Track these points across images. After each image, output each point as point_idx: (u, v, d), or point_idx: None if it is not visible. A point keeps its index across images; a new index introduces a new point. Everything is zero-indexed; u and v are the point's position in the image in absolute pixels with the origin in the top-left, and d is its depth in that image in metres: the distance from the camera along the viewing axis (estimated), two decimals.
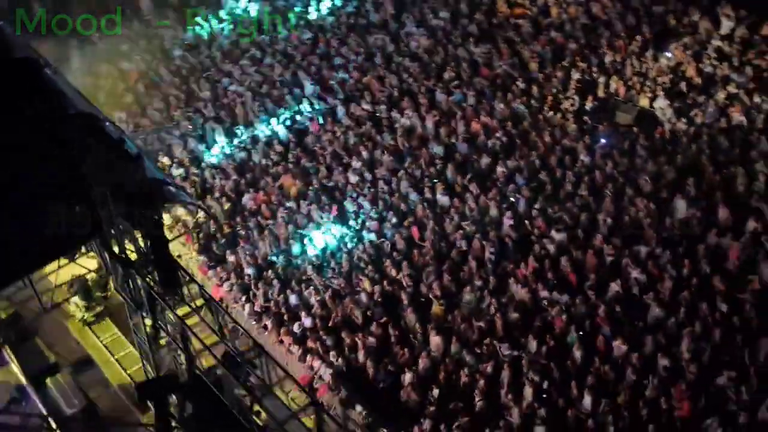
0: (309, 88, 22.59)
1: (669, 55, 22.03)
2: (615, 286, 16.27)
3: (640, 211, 17.65)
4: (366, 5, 25.57)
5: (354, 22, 24.89)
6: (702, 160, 18.85)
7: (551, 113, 20.76)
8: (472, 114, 20.96)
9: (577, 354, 15.24)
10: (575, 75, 21.88)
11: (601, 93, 21.30)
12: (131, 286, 12.26)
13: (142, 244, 11.79)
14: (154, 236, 11.40)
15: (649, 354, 15.03)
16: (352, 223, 18.51)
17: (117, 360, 16.69)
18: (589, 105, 20.97)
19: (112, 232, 11.79)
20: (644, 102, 21.05)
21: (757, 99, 20.13)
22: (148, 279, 11.88)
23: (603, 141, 19.84)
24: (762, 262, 16.22)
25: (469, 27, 24.07)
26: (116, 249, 12.22)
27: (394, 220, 18.39)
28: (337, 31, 24.70)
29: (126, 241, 11.90)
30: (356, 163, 19.94)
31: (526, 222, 17.92)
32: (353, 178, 19.53)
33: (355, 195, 19.12)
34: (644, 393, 14.42)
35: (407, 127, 20.85)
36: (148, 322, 13.07)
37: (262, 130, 21.62)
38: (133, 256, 12.21)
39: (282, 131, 21.37)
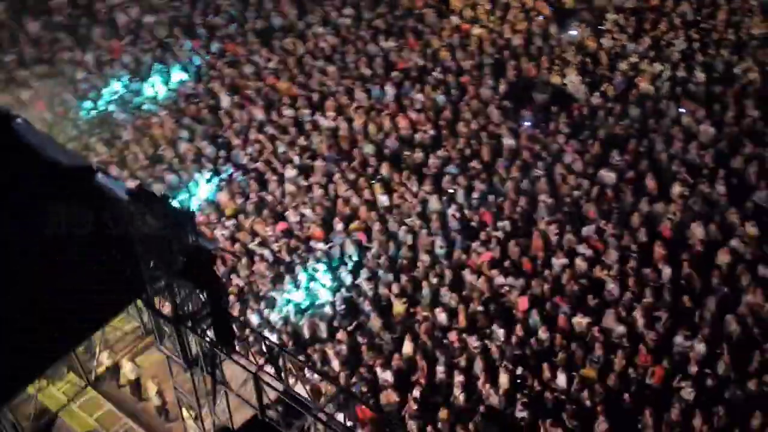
0: (225, 99, 22.03)
1: (573, 32, 22.86)
2: (564, 263, 16.91)
3: (574, 189, 18.35)
4: (266, 8, 25.07)
5: (258, 28, 24.36)
6: (621, 131, 19.76)
7: (472, 100, 21.11)
8: (395, 109, 21.06)
9: (543, 335, 15.76)
10: (487, 60, 22.33)
11: (511, 75, 21.85)
12: (181, 344, 11.64)
13: (187, 298, 10.99)
14: (209, 289, 10.77)
15: (609, 326, 15.75)
16: (299, 234, 18.29)
17: None
18: (502, 87, 21.45)
19: (158, 290, 11.07)
20: (556, 80, 21.79)
21: (659, 66, 21.27)
22: (203, 334, 11.21)
23: (527, 123, 20.41)
24: (693, 224, 17.28)
25: (375, 21, 24.05)
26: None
27: (339, 225, 18.31)
28: (244, 38, 24.12)
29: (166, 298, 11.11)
30: (290, 172, 19.67)
31: (468, 211, 18.28)
32: (290, 188, 19.28)
33: (295, 205, 18.90)
34: (612, 365, 15.12)
35: (333, 129, 20.73)
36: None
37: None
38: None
39: (208, 147, 20.74)
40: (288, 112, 21.31)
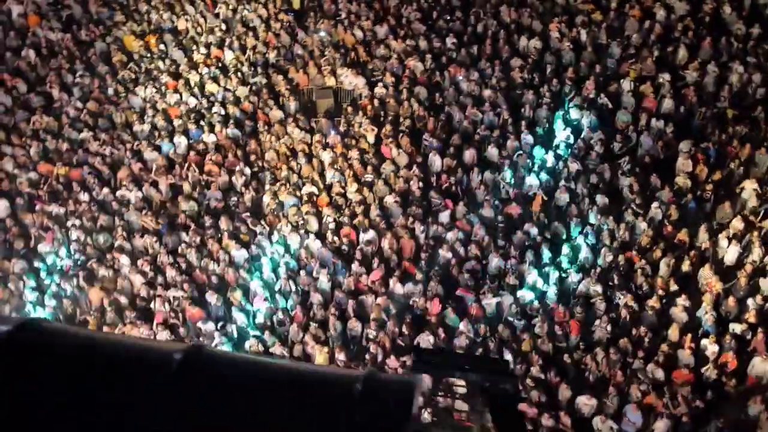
0: None
1: (322, 33, 22.89)
2: (447, 255, 17.41)
3: (410, 179, 18.79)
4: None
5: None
6: (419, 113, 20.52)
7: (269, 127, 20.33)
8: (196, 158, 19.54)
9: (465, 328, 16.14)
10: (257, 80, 21.59)
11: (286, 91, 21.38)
12: None
13: None
14: None
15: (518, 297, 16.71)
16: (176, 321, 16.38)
17: None
18: (292, 106, 20.95)
19: None
20: (331, 82, 21.81)
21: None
22: None
23: (332, 132, 20.24)
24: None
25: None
26: None
27: (214, 297, 16.77)
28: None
29: None
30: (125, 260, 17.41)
31: (331, 236, 17.85)
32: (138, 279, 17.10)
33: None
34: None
35: (144, 198, 18.67)
36: None
37: None
38: None
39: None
40: (83, 196, 18.54)
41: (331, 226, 17.92)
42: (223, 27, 23.00)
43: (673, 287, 16.23)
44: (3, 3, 22.90)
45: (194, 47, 22.66)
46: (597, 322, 15.80)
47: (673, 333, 15.50)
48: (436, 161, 19.38)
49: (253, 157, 19.61)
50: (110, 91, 21.37)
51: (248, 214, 18.14)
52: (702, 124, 19.81)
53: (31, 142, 19.73)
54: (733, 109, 19.85)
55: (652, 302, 15.83)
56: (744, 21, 21.57)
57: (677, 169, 18.72)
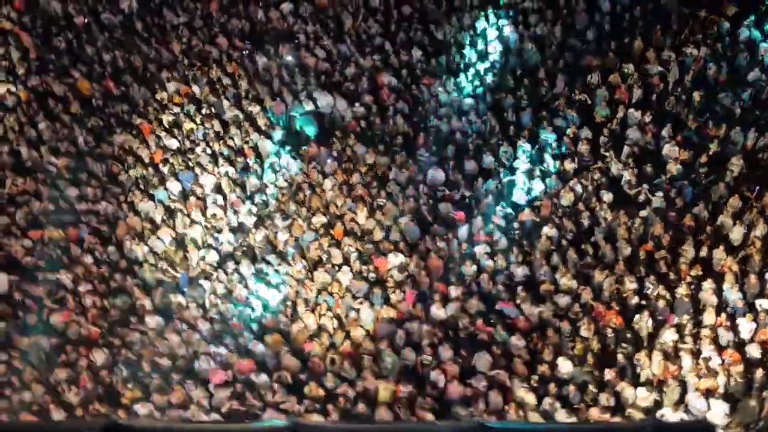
0: None
1: (288, 57, 22.50)
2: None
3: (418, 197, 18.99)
4: None
5: None
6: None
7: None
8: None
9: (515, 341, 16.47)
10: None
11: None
12: None
13: None
14: None
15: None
16: None
17: None
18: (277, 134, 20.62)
19: None
20: (310, 107, 21.52)
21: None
22: None
23: (328, 160, 20.01)
24: None
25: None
26: None
27: None
28: None
29: None
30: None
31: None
32: None
33: None
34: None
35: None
36: None
37: None
38: None
39: None
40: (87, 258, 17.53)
41: (354, 255, 17.73)
42: (185, 62, 22.12)
43: (696, 272, 17.06)
44: None
45: (157, 86, 21.70)
46: (637, 316, 16.43)
47: (708, 316, 16.35)
48: (437, 175, 19.52)
49: (254, 194, 19.03)
50: (80, 141, 20.18)
51: (270, 254, 17.63)
52: (674, 110, 20.83)
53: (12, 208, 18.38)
54: (698, 90, 20.96)
55: (683, 289, 16.60)
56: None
57: (665, 156, 19.63)
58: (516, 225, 18.32)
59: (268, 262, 17.59)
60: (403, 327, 16.53)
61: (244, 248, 17.93)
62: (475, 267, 17.42)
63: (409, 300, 16.77)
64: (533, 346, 16.17)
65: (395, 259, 17.60)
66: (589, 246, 17.85)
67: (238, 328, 16.53)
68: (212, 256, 17.78)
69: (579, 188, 19.07)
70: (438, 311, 16.78)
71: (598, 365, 15.61)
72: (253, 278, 17.26)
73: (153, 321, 16.52)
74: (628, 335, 16.25)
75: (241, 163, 19.74)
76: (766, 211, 17.85)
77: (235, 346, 16.12)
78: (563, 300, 16.88)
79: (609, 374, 15.47)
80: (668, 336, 16.01)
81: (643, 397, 15.24)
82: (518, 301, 16.82)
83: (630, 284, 16.95)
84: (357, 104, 20.96)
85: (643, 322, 16.24)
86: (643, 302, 16.70)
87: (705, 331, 15.93)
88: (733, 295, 16.54)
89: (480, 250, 17.80)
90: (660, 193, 18.46)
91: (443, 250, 17.84)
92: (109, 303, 16.84)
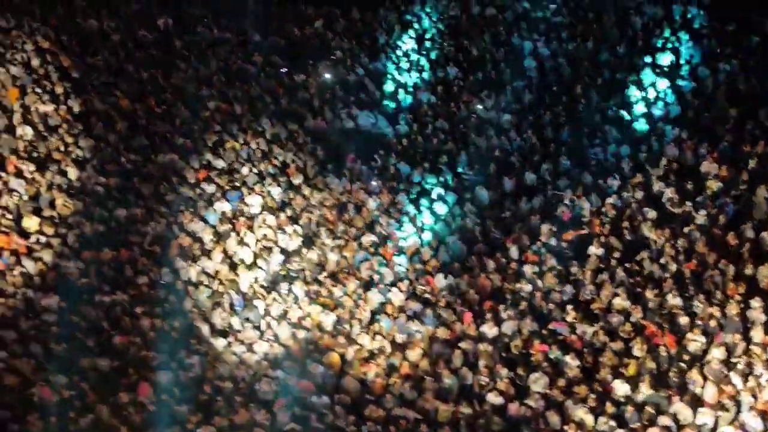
0: None
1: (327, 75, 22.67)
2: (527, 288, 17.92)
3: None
4: None
5: None
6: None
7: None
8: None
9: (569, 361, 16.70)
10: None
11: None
12: None
13: None
14: None
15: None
16: None
17: None
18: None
19: None
20: (350, 124, 21.74)
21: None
22: None
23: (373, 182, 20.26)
24: None
25: None
26: None
27: None
28: None
29: None
30: None
31: None
32: None
33: None
34: None
35: None
36: None
37: None
38: None
39: None
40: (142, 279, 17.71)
41: (405, 275, 17.95)
42: (223, 79, 22.31)
43: (743, 289, 17.32)
44: None
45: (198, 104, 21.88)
46: (688, 335, 16.69)
47: (757, 335, 16.63)
48: (481, 194, 19.75)
49: (302, 213, 19.22)
50: (124, 160, 20.34)
51: (323, 274, 17.83)
52: (710, 125, 21.10)
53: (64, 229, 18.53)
54: (732, 105, 21.22)
55: (732, 308, 16.86)
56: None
57: (704, 173, 19.89)
58: (564, 243, 18.47)
59: (320, 283, 17.72)
60: (458, 347, 16.70)
61: (296, 269, 18.05)
62: (526, 286, 17.61)
63: (467, 320, 16.98)
64: (587, 366, 16.38)
65: (443, 279, 17.77)
66: (636, 264, 18.05)
67: (295, 349, 16.67)
68: (264, 277, 17.88)
69: (622, 205, 19.25)
70: (490, 330, 16.97)
71: (653, 385, 15.83)
72: (306, 299, 17.37)
73: (211, 343, 16.65)
74: (680, 354, 16.46)
75: (286, 182, 19.87)
76: None
77: (293, 368, 16.26)
78: (615, 319, 17.08)
79: (665, 394, 15.71)
80: (718, 354, 16.24)
81: (699, 416, 15.49)
82: (569, 320, 17.02)
83: (678, 302, 17.16)
84: (398, 122, 21.12)
85: (695, 341, 16.47)
86: (693, 321, 16.91)
87: (756, 349, 16.19)
88: None
89: (528, 269, 17.96)
90: (703, 211, 18.65)
91: (492, 269, 18.00)
92: (168, 324, 16.95)
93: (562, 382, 16.01)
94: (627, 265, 18.10)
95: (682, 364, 16.22)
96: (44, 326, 16.57)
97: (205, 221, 19.01)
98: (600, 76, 22.32)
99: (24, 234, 18.22)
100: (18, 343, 16.15)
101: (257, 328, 17.04)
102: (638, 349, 16.49)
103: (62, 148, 20.24)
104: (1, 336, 16.18)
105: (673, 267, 18.03)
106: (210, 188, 19.74)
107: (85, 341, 16.53)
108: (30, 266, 17.46)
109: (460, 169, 20.27)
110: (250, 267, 18.11)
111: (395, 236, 18.73)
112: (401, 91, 22.31)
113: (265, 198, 19.51)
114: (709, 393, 15.71)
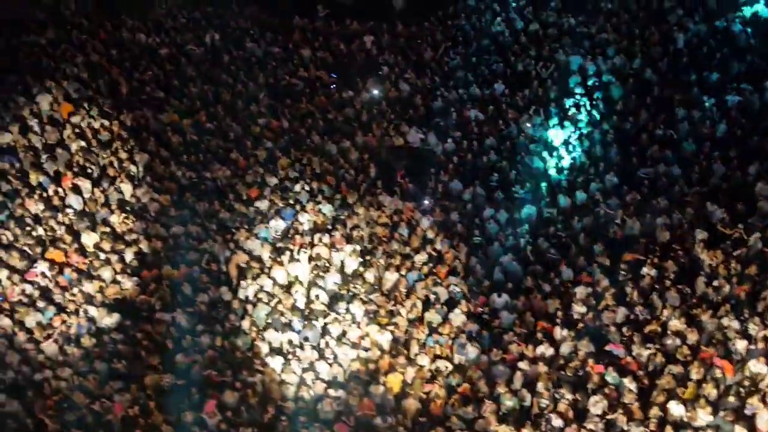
0: None
1: (375, 91, 22.81)
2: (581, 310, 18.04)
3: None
4: None
5: None
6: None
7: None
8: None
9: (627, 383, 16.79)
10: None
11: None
12: None
13: None
14: None
15: None
16: None
17: None
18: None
19: None
20: (399, 142, 21.90)
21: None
22: None
23: (425, 201, 20.39)
24: None
25: None
26: None
27: None
28: None
29: None
30: None
31: None
32: None
33: None
34: None
35: None
36: None
37: None
38: None
39: None
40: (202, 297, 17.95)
41: (459, 295, 18.10)
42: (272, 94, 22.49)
43: None
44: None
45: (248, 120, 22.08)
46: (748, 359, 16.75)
47: None
48: (532, 212, 19.86)
49: (355, 232, 19.37)
50: (179, 175, 20.56)
51: (378, 295, 17.99)
52: (759, 145, 21.13)
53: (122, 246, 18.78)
54: None
55: None
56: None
57: (757, 193, 19.92)
58: (621, 265, 18.55)
59: (376, 303, 17.89)
60: (516, 368, 16.83)
61: (353, 288, 18.21)
62: (582, 307, 17.73)
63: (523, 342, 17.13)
64: (644, 388, 16.48)
65: (498, 300, 17.91)
66: (689, 287, 18.12)
67: (355, 369, 16.85)
68: (323, 297, 18.05)
69: (673, 225, 19.31)
70: (547, 351, 17.10)
71: (712, 410, 15.93)
72: (365, 319, 17.54)
73: (271, 362, 16.85)
74: (739, 378, 16.54)
75: (340, 199, 20.04)
76: None
77: (353, 387, 16.43)
78: (671, 342, 17.17)
79: (724, 417, 15.81)
80: None
81: None
82: (627, 342, 17.11)
83: (734, 325, 17.23)
84: (448, 139, 21.25)
85: (754, 366, 16.55)
86: (750, 344, 16.98)
87: None
88: None
89: (581, 290, 18.07)
90: (757, 234, 18.70)
91: (546, 290, 18.13)
92: (230, 343, 17.15)
93: (619, 405, 16.08)
94: (680, 286, 18.13)
95: (740, 388, 16.29)
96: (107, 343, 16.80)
97: (261, 239, 19.14)
98: (649, 93, 22.34)
99: (83, 251, 18.44)
100: (83, 360, 16.40)
101: (316, 347, 17.17)
102: (696, 372, 16.56)
103: (116, 164, 20.42)
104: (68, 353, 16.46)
105: (726, 289, 18.07)
106: (263, 205, 19.86)
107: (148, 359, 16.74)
108: (89, 285, 17.68)
109: (512, 188, 20.29)
110: (308, 287, 18.25)
111: (450, 255, 18.82)
112: (449, 107, 22.38)
113: (317, 215, 19.62)
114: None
